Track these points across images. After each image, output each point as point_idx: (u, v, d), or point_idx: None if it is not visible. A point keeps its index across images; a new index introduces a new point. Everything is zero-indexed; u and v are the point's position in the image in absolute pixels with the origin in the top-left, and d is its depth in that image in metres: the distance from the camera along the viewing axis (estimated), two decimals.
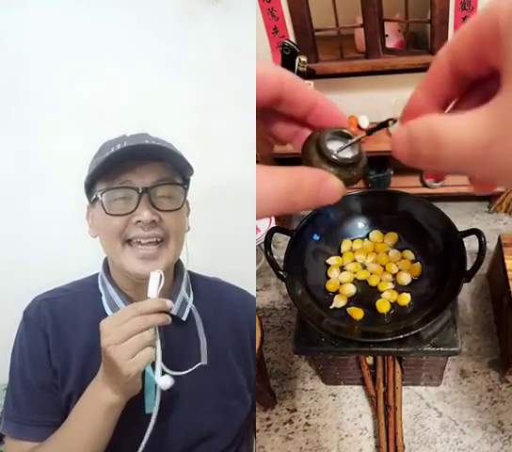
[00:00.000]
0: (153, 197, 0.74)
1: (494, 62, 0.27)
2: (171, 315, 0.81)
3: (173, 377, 0.72)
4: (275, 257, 1.21)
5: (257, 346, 1.24)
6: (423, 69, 1.64)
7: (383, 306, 1.20)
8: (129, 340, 0.63)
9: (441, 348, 1.18)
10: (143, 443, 0.70)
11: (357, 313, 1.20)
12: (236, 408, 0.88)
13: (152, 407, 0.71)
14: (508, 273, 1.50)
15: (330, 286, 1.26)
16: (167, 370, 0.72)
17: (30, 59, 1.27)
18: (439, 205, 1.27)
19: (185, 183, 0.81)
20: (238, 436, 0.90)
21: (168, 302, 0.69)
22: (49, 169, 1.29)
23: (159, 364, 0.71)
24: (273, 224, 1.79)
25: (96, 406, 0.69)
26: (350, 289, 1.25)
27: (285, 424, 1.55)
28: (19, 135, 1.32)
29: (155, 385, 0.71)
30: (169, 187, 0.76)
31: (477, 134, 0.26)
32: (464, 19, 1.52)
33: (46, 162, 1.30)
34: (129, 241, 0.75)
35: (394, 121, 0.35)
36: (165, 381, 0.71)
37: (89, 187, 0.79)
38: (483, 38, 0.27)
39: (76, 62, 1.29)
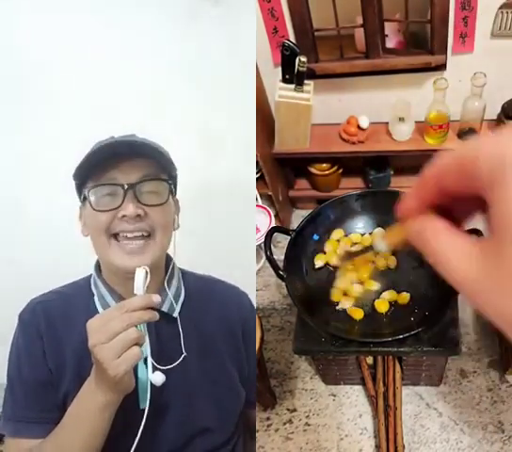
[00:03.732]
0: (139, 192, 0.76)
1: (476, 191, 0.29)
2: (162, 313, 0.82)
3: (165, 372, 0.73)
4: (275, 257, 1.20)
5: (257, 346, 1.24)
6: (423, 69, 1.64)
7: (383, 306, 1.20)
8: (114, 339, 0.63)
9: (441, 348, 1.18)
10: (137, 438, 0.70)
11: (357, 313, 1.20)
12: (229, 401, 0.89)
13: (146, 402, 0.72)
14: None
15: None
16: (157, 365, 0.73)
17: (27, 59, 1.27)
18: None
19: (171, 179, 0.82)
20: (235, 432, 0.91)
21: (155, 297, 0.69)
22: (48, 169, 1.29)
23: (150, 361, 0.72)
24: (273, 224, 1.79)
25: (90, 405, 0.69)
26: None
27: (285, 424, 1.55)
28: (19, 135, 1.32)
29: (147, 381, 0.72)
30: (155, 183, 0.78)
31: (469, 267, 0.28)
32: (464, 19, 1.52)
33: (45, 162, 1.31)
34: (115, 236, 0.77)
35: None
36: (157, 377, 0.71)
37: (80, 187, 0.80)
38: (465, 170, 0.29)
39: (75, 63, 1.29)
